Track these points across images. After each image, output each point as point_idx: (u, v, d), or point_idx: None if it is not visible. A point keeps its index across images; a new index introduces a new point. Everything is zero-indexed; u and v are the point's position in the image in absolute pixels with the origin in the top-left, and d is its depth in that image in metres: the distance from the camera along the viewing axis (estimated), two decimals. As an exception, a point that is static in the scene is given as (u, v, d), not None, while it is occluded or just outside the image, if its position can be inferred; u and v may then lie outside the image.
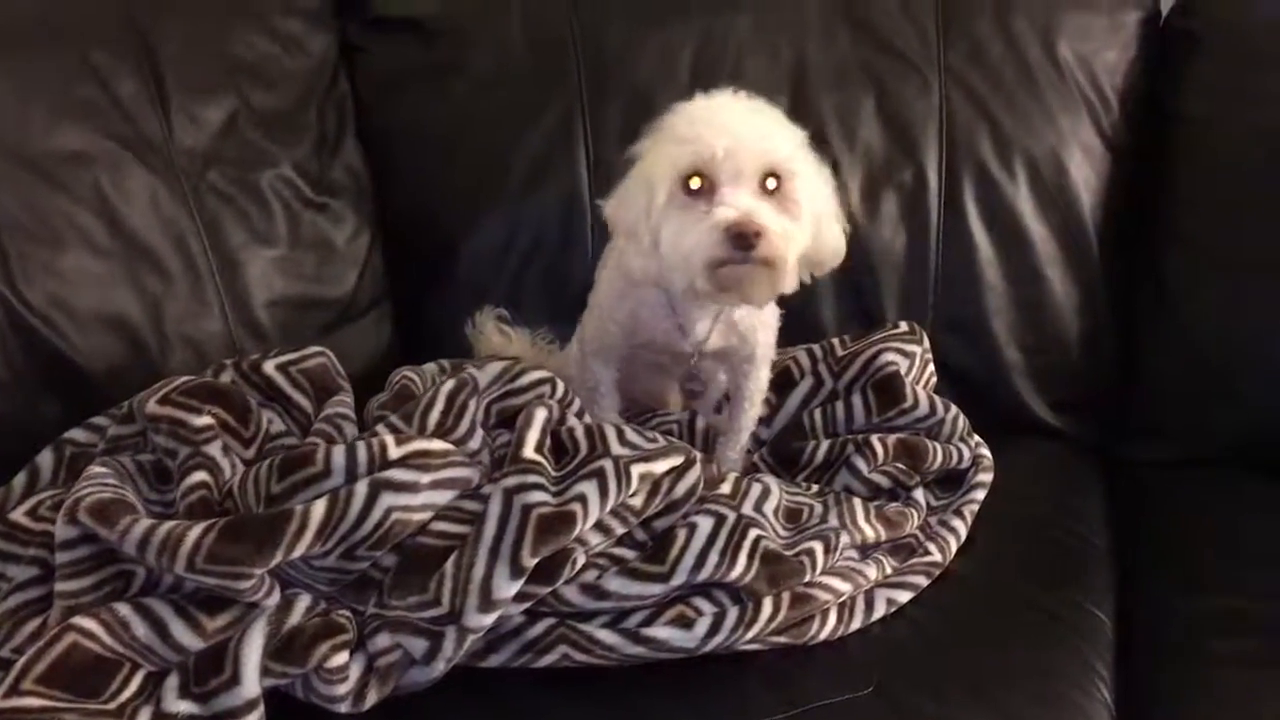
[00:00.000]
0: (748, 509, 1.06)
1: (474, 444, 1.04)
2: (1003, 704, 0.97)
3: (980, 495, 1.19)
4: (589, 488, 0.96)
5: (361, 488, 0.92)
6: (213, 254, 1.26)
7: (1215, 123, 1.42)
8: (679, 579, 0.97)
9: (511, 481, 0.96)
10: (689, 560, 0.98)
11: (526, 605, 0.95)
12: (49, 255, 1.15)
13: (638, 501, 1.00)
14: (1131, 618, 1.13)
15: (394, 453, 0.96)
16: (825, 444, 1.21)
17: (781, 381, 1.30)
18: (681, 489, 1.03)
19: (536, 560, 0.92)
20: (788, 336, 1.39)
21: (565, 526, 0.93)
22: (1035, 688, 1.00)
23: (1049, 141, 1.43)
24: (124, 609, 0.90)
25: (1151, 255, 1.44)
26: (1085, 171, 1.44)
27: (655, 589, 0.97)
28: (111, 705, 0.86)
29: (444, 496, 0.96)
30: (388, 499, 0.93)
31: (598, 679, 0.97)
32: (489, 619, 0.92)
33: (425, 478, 0.95)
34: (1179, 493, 1.34)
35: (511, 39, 1.45)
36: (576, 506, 0.94)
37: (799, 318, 1.42)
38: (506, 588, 0.91)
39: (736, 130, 1.04)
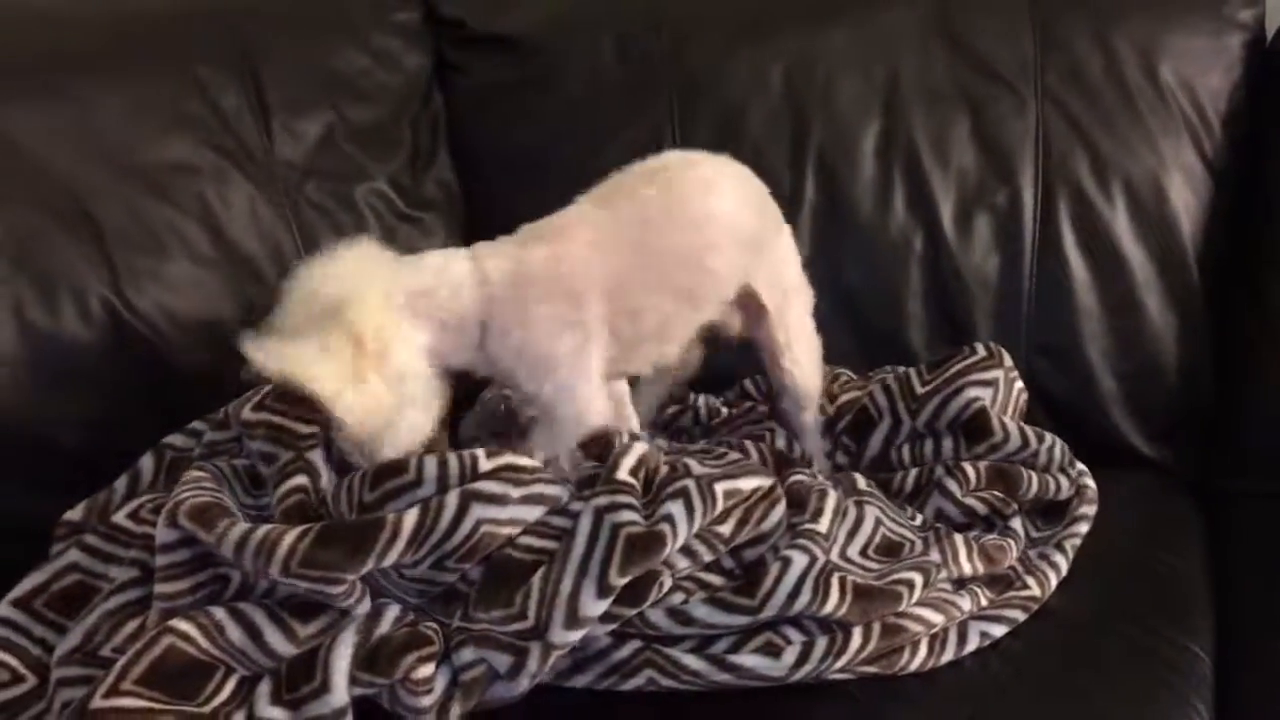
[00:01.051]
0: (835, 554, 1.04)
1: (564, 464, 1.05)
2: (1097, 741, 0.95)
3: (1083, 529, 1.16)
4: (675, 508, 0.96)
5: (452, 498, 0.93)
6: (309, 265, 1.29)
7: (1321, 147, 1.38)
8: (769, 613, 0.96)
9: (603, 500, 0.95)
10: (780, 596, 0.96)
11: (612, 626, 0.95)
12: (154, 263, 1.18)
13: (726, 530, 0.99)
14: (1231, 656, 1.09)
15: (484, 465, 0.96)
16: (914, 472, 1.18)
17: (860, 421, 1.27)
18: (770, 522, 1.02)
19: (625, 580, 0.92)
20: (874, 359, 1.39)
21: (655, 546, 0.93)
22: (1132, 722, 0.98)
23: (1148, 165, 1.40)
24: (219, 613, 0.91)
25: (1254, 283, 1.40)
26: (1186, 196, 1.40)
27: (742, 620, 0.96)
28: (206, 709, 0.87)
29: (533, 512, 0.97)
30: (477, 510, 0.93)
31: (679, 700, 0.97)
32: (574, 636, 0.92)
33: (515, 491, 0.95)
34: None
35: (603, 57, 1.46)
36: (665, 527, 0.94)
37: (889, 340, 1.42)
38: (593, 606, 0.91)
39: None
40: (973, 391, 1.21)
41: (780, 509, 1.03)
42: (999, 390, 1.23)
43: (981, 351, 1.26)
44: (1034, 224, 1.40)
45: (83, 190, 1.17)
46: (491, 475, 0.96)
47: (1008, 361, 1.25)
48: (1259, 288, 1.40)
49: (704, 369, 1.36)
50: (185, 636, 0.89)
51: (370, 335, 0.95)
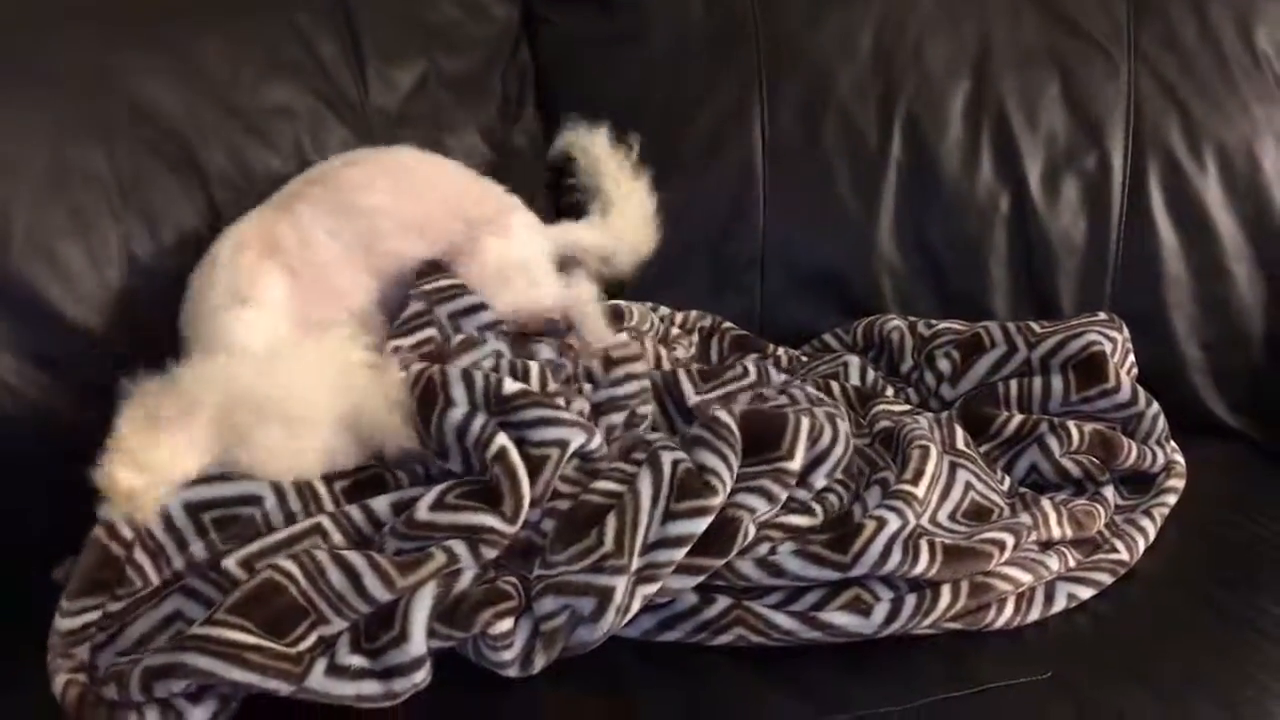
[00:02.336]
0: (926, 519, 1.04)
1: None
2: (1186, 704, 0.94)
3: (1172, 500, 1.16)
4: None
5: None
6: (401, 212, 1.30)
7: None
8: (859, 571, 0.97)
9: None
10: (872, 556, 0.97)
11: (700, 579, 0.97)
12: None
13: (795, 465, 1.01)
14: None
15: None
16: (1018, 418, 1.18)
17: (969, 343, 1.27)
18: (824, 442, 1.05)
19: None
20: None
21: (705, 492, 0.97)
22: (1220, 691, 0.97)
23: (1242, 131, 1.39)
24: (322, 555, 0.92)
25: (1348, 255, 1.38)
26: (1279, 165, 1.39)
27: (832, 575, 0.97)
28: (292, 651, 0.88)
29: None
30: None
31: (766, 651, 0.98)
32: (659, 558, 0.94)
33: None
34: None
35: (691, 14, 1.45)
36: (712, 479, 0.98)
37: (970, 302, 1.41)
38: (667, 528, 0.95)
39: None
40: (1094, 336, 1.21)
41: (841, 428, 1.06)
42: (1118, 349, 1.23)
43: (1103, 315, 1.27)
44: (1123, 189, 1.39)
45: (187, 131, 1.18)
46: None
47: (1125, 333, 1.26)
48: (1351, 260, 1.38)
49: (788, 324, 1.37)
50: (287, 574, 0.90)
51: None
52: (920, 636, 0.98)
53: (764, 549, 0.99)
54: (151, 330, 1.12)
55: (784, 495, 1.01)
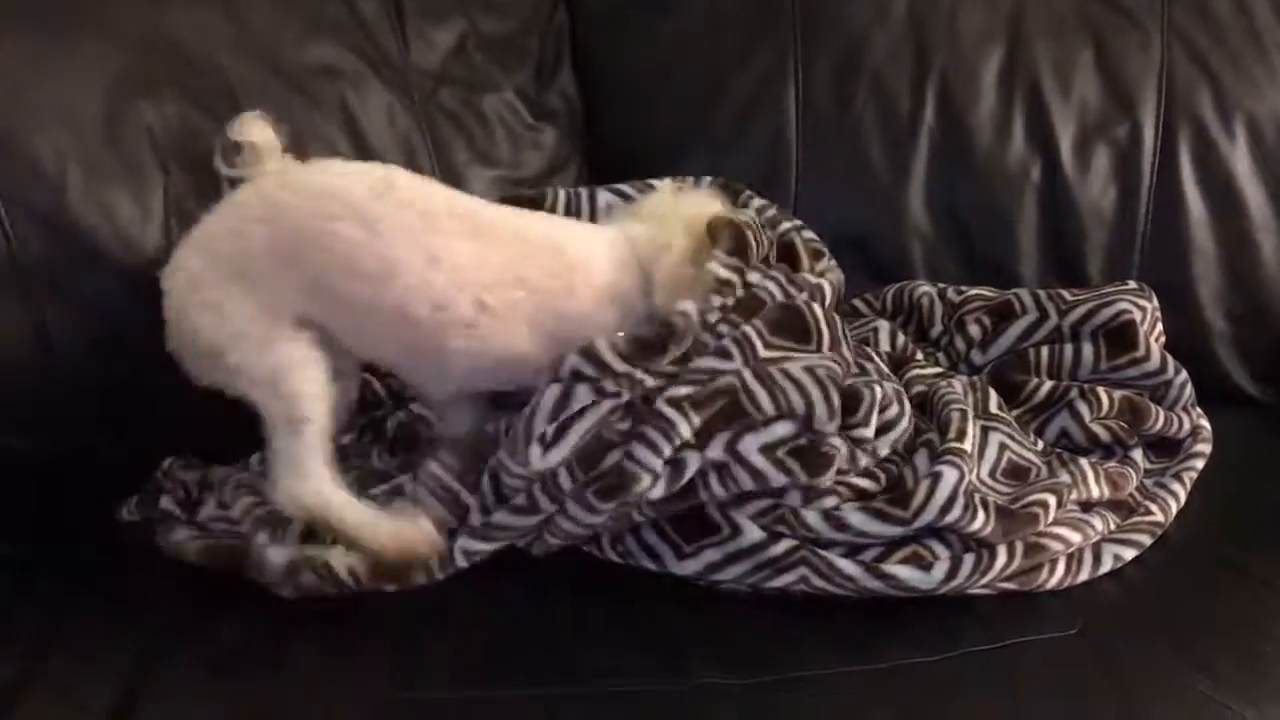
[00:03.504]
0: (973, 474, 1.06)
1: None
2: (1207, 659, 0.97)
3: (1199, 464, 1.18)
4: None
5: None
6: (440, 171, 1.31)
7: None
8: (921, 522, 1.00)
9: None
10: (933, 510, 1.00)
11: (774, 510, 1.00)
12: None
13: (868, 432, 1.03)
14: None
15: None
16: (1049, 384, 1.20)
17: (1000, 310, 1.29)
18: (902, 423, 1.08)
19: None
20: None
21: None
22: (1241, 647, 1.00)
23: (1273, 104, 1.40)
24: None
25: (1375, 229, 1.39)
26: (1309, 138, 1.40)
27: (895, 530, 1.00)
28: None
29: None
30: None
31: (805, 600, 1.01)
32: None
33: None
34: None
35: (726, -20, 1.47)
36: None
37: (998, 270, 1.43)
38: None
39: None
40: (1125, 304, 1.23)
41: (906, 404, 1.09)
42: (1147, 317, 1.25)
43: (1133, 284, 1.28)
44: (1153, 159, 1.40)
45: (234, 88, 1.20)
46: None
47: (1155, 301, 1.27)
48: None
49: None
50: None
51: None
52: (949, 595, 1.00)
53: (830, 501, 1.02)
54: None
55: (864, 461, 1.04)
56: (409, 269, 0.99)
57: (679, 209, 1.13)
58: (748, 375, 1.01)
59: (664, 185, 1.23)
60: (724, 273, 1.07)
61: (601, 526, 1.01)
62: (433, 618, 1.01)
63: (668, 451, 0.97)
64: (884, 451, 1.06)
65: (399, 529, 1.00)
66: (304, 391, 0.99)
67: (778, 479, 0.99)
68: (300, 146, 1.10)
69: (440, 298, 0.99)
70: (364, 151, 1.26)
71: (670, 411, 0.98)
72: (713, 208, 1.13)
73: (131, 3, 1.17)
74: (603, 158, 1.50)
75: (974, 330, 1.29)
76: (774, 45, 1.44)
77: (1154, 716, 0.92)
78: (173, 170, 1.15)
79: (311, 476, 0.99)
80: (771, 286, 1.08)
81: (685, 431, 0.97)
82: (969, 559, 0.99)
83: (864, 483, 1.04)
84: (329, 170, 1.05)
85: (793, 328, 1.05)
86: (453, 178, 1.33)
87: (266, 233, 1.00)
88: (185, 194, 1.15)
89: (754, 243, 1.09)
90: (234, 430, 1.05)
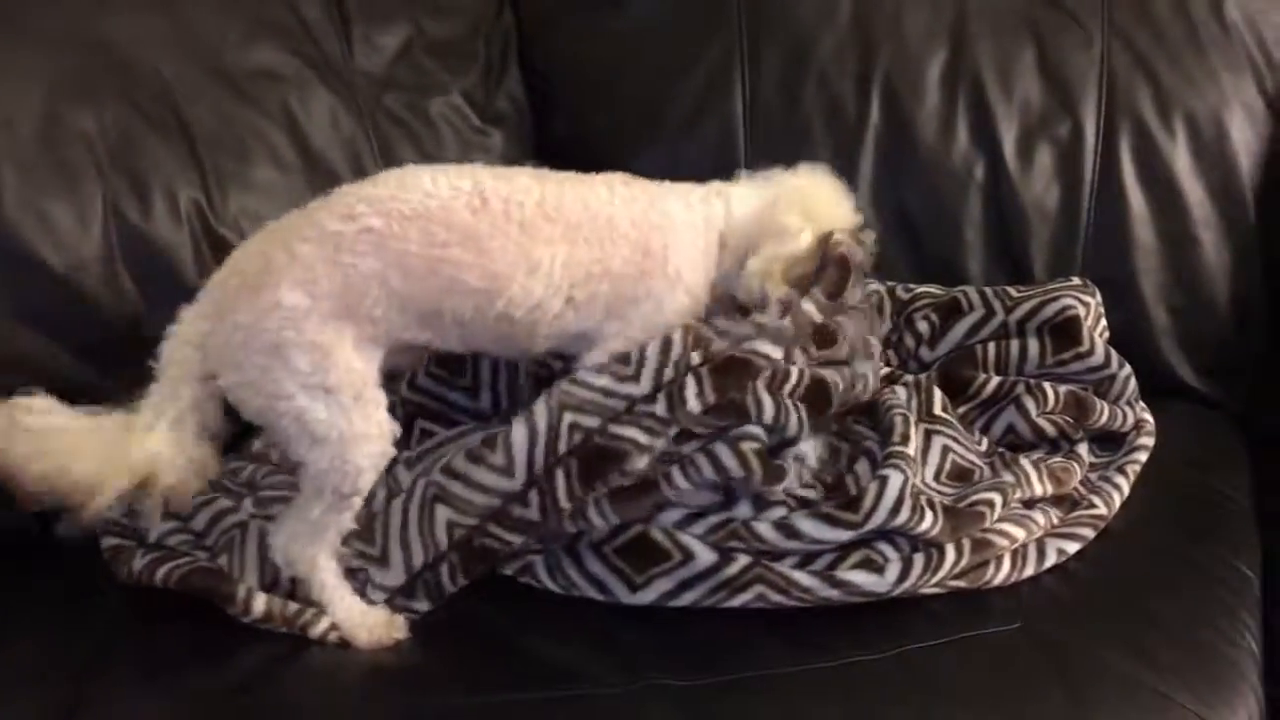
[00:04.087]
0: (916, 478, 1.07)
1: None
2: (1147, 648, 0.98)
3: (1142, 457, 1.19)
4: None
5: None
6: (386, 174, 1.31)
7: (1383, 88, 1.39)
8: (872, 525, 1.01)
9: None
10: (882, 512, 1.01)
11: (725, 526, 1.01)
12: (240, 168, 1.21)
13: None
14: (1277, 576, 1.13)
15: None
16: (995, 380, 1.21)
17: (947, 307, 1.31)
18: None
19: None
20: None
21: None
22: (1181, 634, 1.01)
23: (1211, 101, 1.41)
24: None
25: (1314, 223, 1.42)
26: (1246, 134, 1.41)
27: (846, 535, 1.01)
28: None
29: None
30: None
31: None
32: None
33: None
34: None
35: (673, -21, 1.48)
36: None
37: (945, 268, 1.44)
38: None
39: None
40: (1069, 300, 1.25)
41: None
42: (1090, 313, 1.27)
43: (1076, 280, 1.31)
44: (1095, 156, 1.42)
45: (174, 93, 1.20)
46: None
47: (1098, 297, 1.29)
48: (1317, 229, 1.42)
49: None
50: None
51: None
52: (901, 596, 1.01)
53: (779, 512, 1.02)
54: (138, 287, 1.13)
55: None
56: (512, 280, 1.01)
57: (815, 201, 1.15)
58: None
59: (812, 171, 1.20)
60: (817, 317, 1.09)
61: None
62: None
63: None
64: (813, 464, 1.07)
65: (373, 622, 0.99)
66: (365, 468, 0.98)
67: (737, 471, 1.00)
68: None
69: (537, 301, 1.03)
70: (308, 156, 1.26)
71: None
72: (843, 212, 1.16)
73: (68, 7, 1.17)
74: (552, 159, 1.49)
75: (922, 327, 1.30)
76: (721, 46, 1.45)
77: (1098, 709, 0.93)
78: (111, 177, 1.14)
79: (322, 551, 0.99)
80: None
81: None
82: (919, 559, 1.00)
83: (806, 492, 1.04)
84: (419, 188, 1.00)
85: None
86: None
87: (374, 266, 0.96)
88: (125, 201, 1.14)
89: (850, 285, 1.11)
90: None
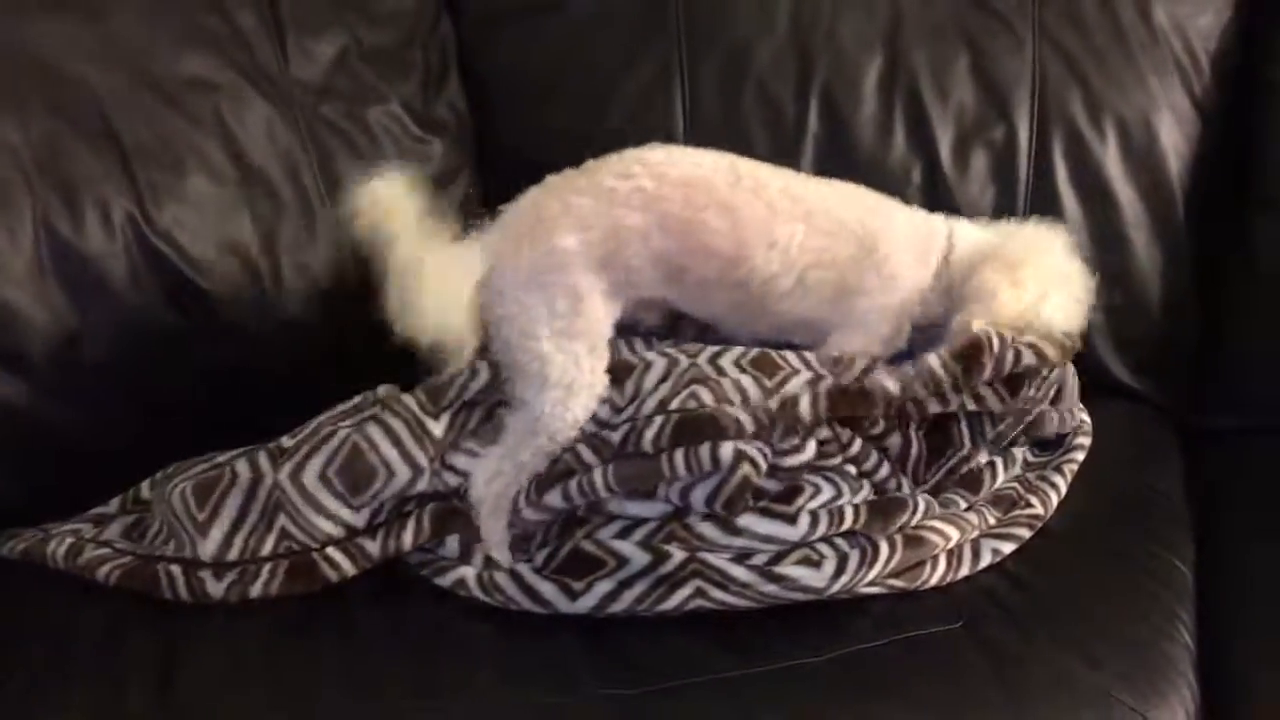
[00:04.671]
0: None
1: None
2: (1085, 644, 1.01)
3: (1080, 456, 1.21)
4: None
5: None
6: (324, 185, 1.30)
7: (1306, 90, 1.43)
8: (803, 522, 1.02)
9: None
10: (806, 515, 1.03)
11: (661, 529, 1.02)
12: (174, 180, 1.19)
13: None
14: (1210, 570, 1.16)
15: None
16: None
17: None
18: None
19: None
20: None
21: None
22: (1117, 630, 1.04)
23: (1140, 104, 1.43)
24: None
25: (1239, 222, 1.45)
26: (1175, 135, 1.44)
27: (782, 530, 1.02)
28: None
29: None
30: None
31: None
32: None
33: None
34: (1256, 457, 1.36)
35: (611, -13, 1.48)
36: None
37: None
38: None
39: None
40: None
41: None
42: None
43: None
44: (1029, 159, 1.44)
45: (103, 102, 1.17)
46: None
47: None
48: (1242, 227, 1.45)
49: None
50: None
51: None
52: (845, 599, 1.03)
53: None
54: (70, 300, 1.11)
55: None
56: (755, 250, 1.11)
57: (1039, 261, 1.19)
58: None
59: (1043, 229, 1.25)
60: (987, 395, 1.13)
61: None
62: (329, 633, 1.01)
63: None
64: None
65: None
66: (579, 418, 1.06)
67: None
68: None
69: (772, 274, 1.12)
70: (244, 167, 1.24)
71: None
72: (1070, 278, 1.21)
73: (-11, 14, 1.14)
74: (494, 167, 1.50)
75: None
76: (660, 53, 1.45)
77: (1037, 706, 0.96)
78: (40, 190, 1.12)
79: (514, 494, 1.05)
80: None
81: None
82: (854, 554, 1.01)
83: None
84: (687, 159, 1.14)
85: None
86: (338, 191, 1.31)
87: (640, 221, 1.08)
88: (55, 214, 1.12)
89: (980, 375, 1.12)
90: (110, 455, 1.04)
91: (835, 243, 1.14)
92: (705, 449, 1.00)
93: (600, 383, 1.07)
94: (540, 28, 1.47)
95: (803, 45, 1.45)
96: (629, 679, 0.95)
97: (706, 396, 1.04)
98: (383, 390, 1.14)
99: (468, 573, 1.04)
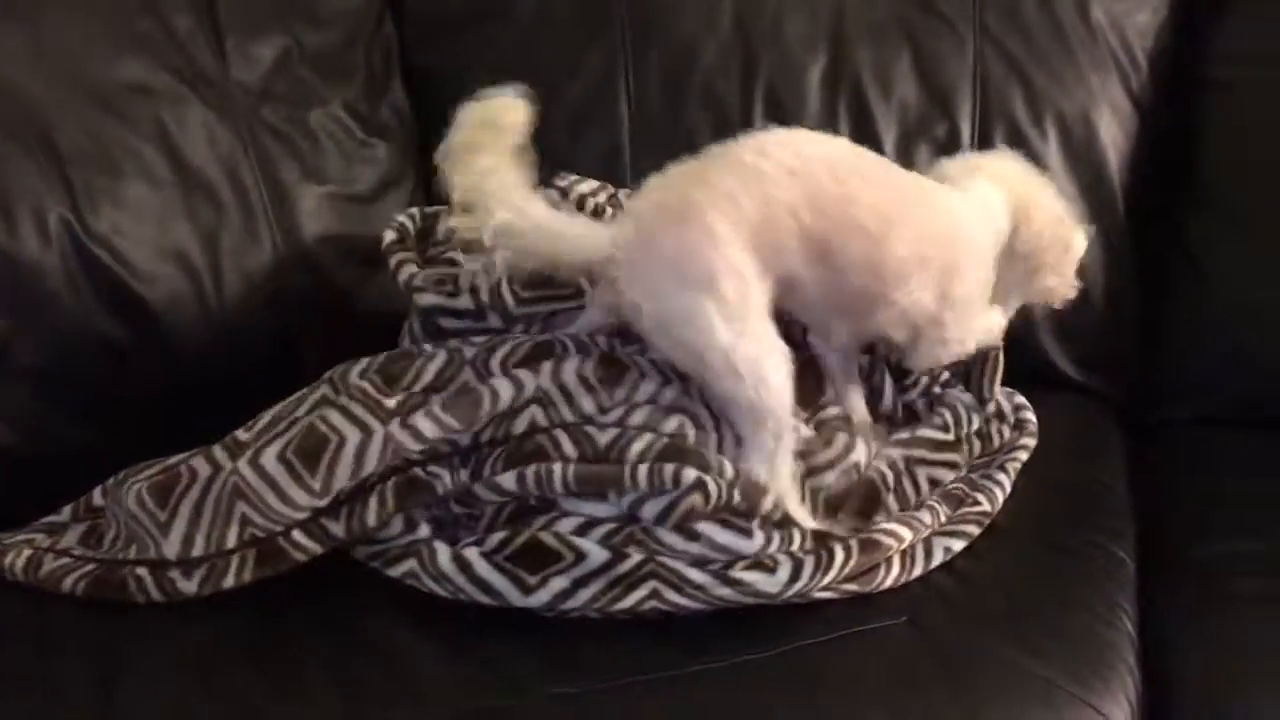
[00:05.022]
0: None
1: None
2: (1029, 636, 1.01)
3: (1024, 456, 1.22)
4: None
5: None
6: (266, 189, 1.28)
7: (1241, 86, 1.45)
8: (759, 536, 1.02)
9: None
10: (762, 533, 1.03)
11: (621, 531, 1.02)
12: (111, 185, 1.17)
13: None
14: (1153, 560, 1.17)
15: None
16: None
17: None
18: None
19: None
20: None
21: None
22: (1061, 620, 1.05)
23: (1079, 100, 1.46)
24: None
25: (1177, 217, 1.47)
26: (1114, 131, 1.47)
27: (737, 541, 1.01)
28: None
29: None
30: None
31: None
32: None
33: None
34: (1197, 449, 1.38)
35: (554, -12, 1.48)
36: None
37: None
38: None
39: None
40: None
41: None
42: None
43: None
44: (971, 156, 1.45)
45: (37, 107, 1.15)
46: None
47: None
48: (1180, 222, 1.47)
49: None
50: None
51: None
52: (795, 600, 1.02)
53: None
54: (5, 308, 1.10)
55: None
56: (894, 226, 1.08)
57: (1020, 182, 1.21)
58: None
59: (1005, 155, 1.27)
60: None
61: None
62: (265, 642, 1.00)
63: None
64: None
65: None
66: (782, 384, 1.03)
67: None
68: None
69: (902, 258, 1.09)
70: (184, 171, 1.23)
71: None
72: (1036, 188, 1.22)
73: (-83, 18, 1.12)
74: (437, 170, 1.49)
75: None
76: (604, 50, 1.46)
77: (982, 697, 0.96)
78: (-27, 201, 1.11)
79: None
80: None
81: None
82: (809, 560, 1.01)
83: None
84: (819, 137, 1.12)
85: None
86: (281, 196, 1.31)
87: (790, 199, 1.03)
88: (-10, 226, 1.10)
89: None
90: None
91: (936, 226, 1.13)
92: (670, 467, 1.00)
93: (781, 345, 1.04)
94: (485, 31, 1.48)
95: (747, 44, 1.46)
96: (577, 678, 0.94)
97: (691, 432, 1.05)
98: (337, 371, 1.12)
99: (414, 565, 1.02)
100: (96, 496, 1.15)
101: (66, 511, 1.15)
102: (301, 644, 1.00)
